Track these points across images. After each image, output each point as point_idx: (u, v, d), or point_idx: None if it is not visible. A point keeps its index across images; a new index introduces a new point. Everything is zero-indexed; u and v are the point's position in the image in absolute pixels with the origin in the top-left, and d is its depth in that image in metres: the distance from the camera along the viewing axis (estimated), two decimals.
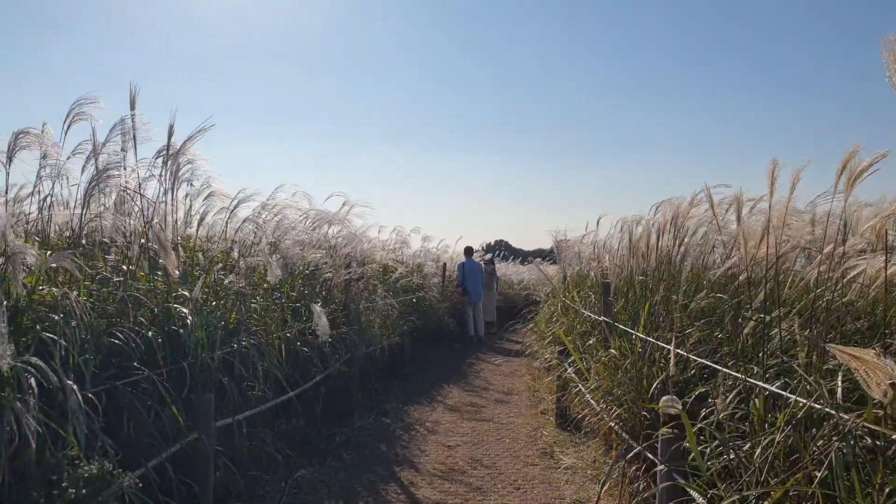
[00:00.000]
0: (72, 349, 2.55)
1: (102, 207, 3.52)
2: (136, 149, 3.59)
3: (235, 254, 4.57)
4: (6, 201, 2.93)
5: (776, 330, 3.00)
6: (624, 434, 3.81)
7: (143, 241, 3.61)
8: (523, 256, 22.20)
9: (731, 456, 2.47)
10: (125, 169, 3.55)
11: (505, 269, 18.73)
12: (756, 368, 2.93)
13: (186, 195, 4.41)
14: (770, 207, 3.07)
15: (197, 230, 4.63)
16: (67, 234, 3.73)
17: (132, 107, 3.56)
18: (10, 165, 3.45)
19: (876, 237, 2.83)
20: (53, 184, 3.45)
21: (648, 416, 3.68)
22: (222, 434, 3.52)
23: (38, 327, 2.53)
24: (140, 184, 3.72)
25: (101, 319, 2.96)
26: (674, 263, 4.31)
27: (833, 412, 2.13)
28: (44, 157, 3.74)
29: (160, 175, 3.83)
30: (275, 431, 4.41)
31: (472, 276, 12.26)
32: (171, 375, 3.17)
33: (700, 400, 3.27)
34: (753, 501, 2.22)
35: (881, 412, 1.97)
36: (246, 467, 3.81)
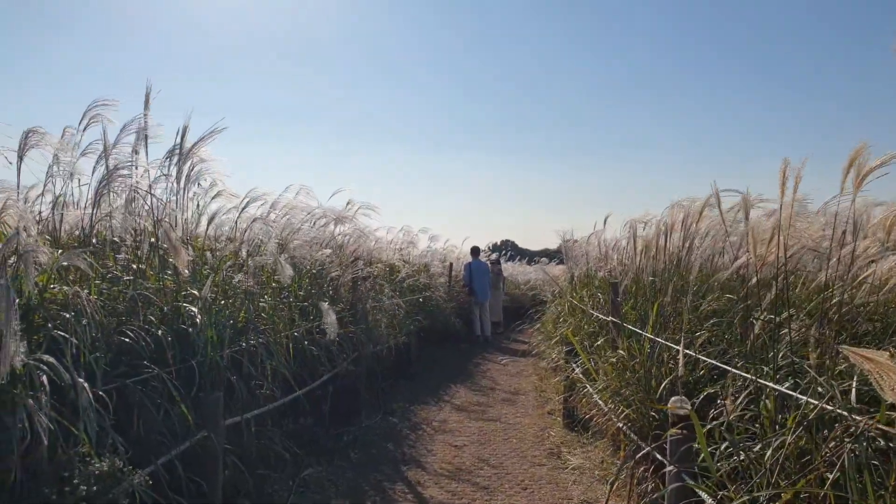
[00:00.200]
0: (83, 347, 2.56)
1: (111, 207, 3.53)
2: (146, 149, 3.61)
3: (244, 253, 4.58)
4: (18, 200, 2.94)
5: (786, 331, 2.98)
6: (632, 435, 3.80)
7: (152, 240, 3.62)
8: (529, 256, 22.20)
9: (742, 457, 2.46)
10: (136, 168, 3.56)
11: (511, 269, 18.72)
12: (766, 369, 2.92)
13: (194, 195, 4.42)
14: (781, 207, 3.06)
15: (206, 229, 4.65)
16: (77, 232, 3.75)
17: (146, 106, 3.58)
18: (20, 164, 3.47)
19: (886, 234, 2.82)
20: (65, 183, 3.47)
21: (657, 416, 3.67)
22: (231, 432, 3.53)
23: (49, 325, 2.54)
24: (151, 184, 3.73)
25: (111, 318, 2.97)
26: (683, 264, 4.30)
27: (845, 413, 2.12)
28: (55, 157, 3.77)
29: (171, 175, 3.84)
30: (283, 430, 4.42)
31: (478, 276, 12.25)
32: (180, 374, 3.18)
33: (709, 401, 3.26)
34: (764, 503, 2.21)
35: (895, 414, 1.96)
36: (254, 466, 3.81)
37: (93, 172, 3.51)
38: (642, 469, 3.67)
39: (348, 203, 6.56)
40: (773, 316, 3.13)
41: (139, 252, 3.56)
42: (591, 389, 4.65)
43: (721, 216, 3.87)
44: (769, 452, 2.32)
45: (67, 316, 2.56)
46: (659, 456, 3.34)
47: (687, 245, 4.21)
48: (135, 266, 3.48)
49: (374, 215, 6.86)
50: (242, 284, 4.13)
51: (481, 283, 12.22)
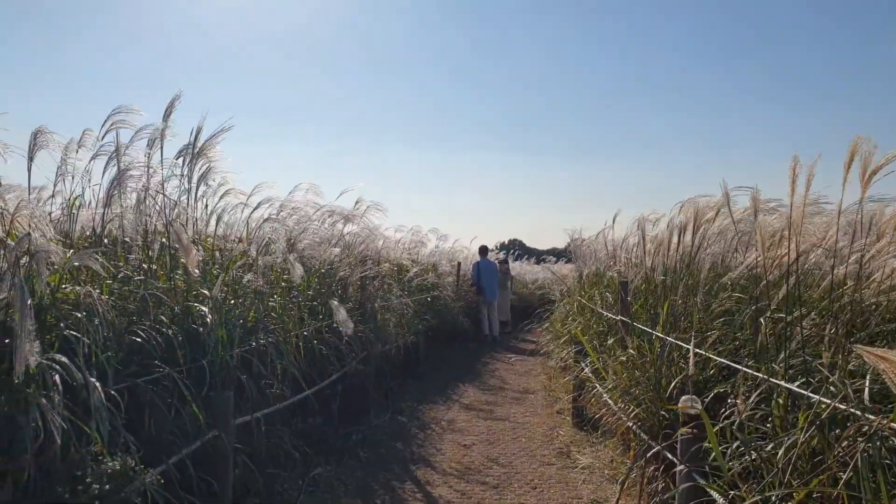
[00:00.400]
0: (94, 347, 2.57)
1: (121, 208, 3.55)
2: (162, 151, 3.63)
3: (253, 252, 4.59)
4: (29, 201, 2.95)
5: (797, 329, 2.97)
6: (642, 434, 3.79)
7: (163, 240, 3.64)
8: (538, 255, 22.16)
9: (753, 456, 2.44)
10: (149, 169, 3.58)
11: (519, 268, 18.71)
12: (777, 367, 2.90)
13: (203, 194, 4.44)
14: (791, 206, 3.04)
15: (215, 229, 4.66)
16: (88, 233, 3.77)
17: (165, 117, 3.61)
18: (31, 165, 3.50)
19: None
20: (78, 184, 3.49)
21: (667, 415, 3.66)
22: (241, 432, 3.54)
23: (61, 325, 2.56)
24: (163, 183, 3.75)
25: (122, 317, 2.98)
26: (693, 263, 4.28)
27: (858, 413, 2.10)
28: (63, 157, 3.79)
29: (183, 175, 3.86)
30: (292, 429, 4.43)
31: (487, 275, 12.25)
32: (190, 373, 3.19)
33: (718, 400, 3.25)
34: (776, 503, 2.20)
35: None
36: (264, 465, 3.82)
37: (103, 173, 3.53)
38: (652, 468, 3.65)
39: (357, 202, 6.57)
40: (782, 315, 3.12)
41: (150, 252, 3.58)
42: (600, 389, 4.64)
43: (731, 215, 3.85)
44: (781, 452, 2.31)
45: (79, 315, 2.58)
46: (669, 455, 3.33)
47: (698, 244, 4.20)
48: (146, 266, 3.49)
49: (382, 214, 6.87)
50: (252, 284, 4.14)
51: (490, 282, 12.21)
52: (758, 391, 2.81)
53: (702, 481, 2.61)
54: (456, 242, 13.23)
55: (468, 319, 11.53)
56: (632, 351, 4.32)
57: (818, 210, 3.55)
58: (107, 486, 2.28)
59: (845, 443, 2.17)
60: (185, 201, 3.96)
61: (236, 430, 3.42)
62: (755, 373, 2.86)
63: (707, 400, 3.20)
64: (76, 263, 2.52)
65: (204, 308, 3.42)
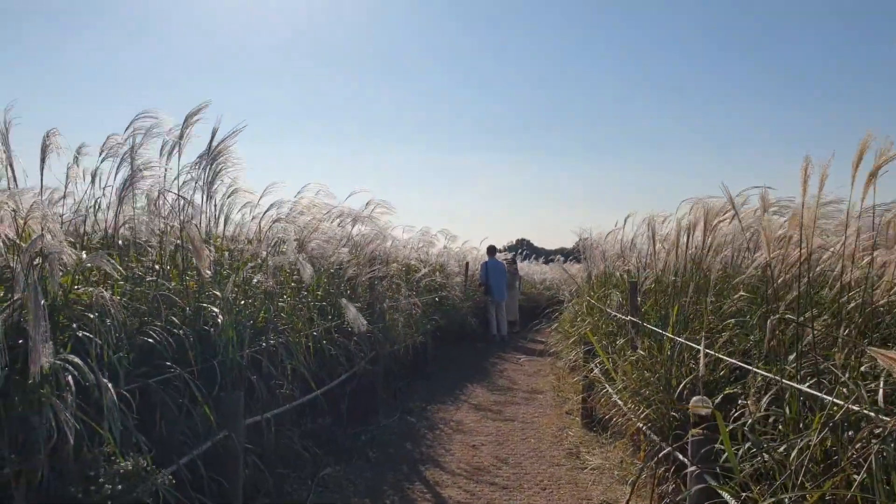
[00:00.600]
0: (106, 347, 2.59)
1: (133, 210, 3.57)
2: (180, 154, 3.65)
3: (263, 253, 4.60)
4: (42, 202, 2.97)
5: (808, 330, 2.95)
6: (653, 435, 3.77)
7: (176, 241, 3.65)
8: (546, 255, 22.14)
9: (766, 458, 2.43)
10: (166, 171, 3.60)
11: (527, 268, 18.69)
12: (789, 369, 2.89)
13: (212, 195, 4.46)
14: (803, 206, 3.02)
15: (224, 229, 4.68)
16: (100, 233, 3.79)
17: (186, 122, 3.63)
18: (42, 166, 3.52)
19: None
20: (91, 185, 3.51)
21: (677, 416, 3.65)
22: (251, 432, 3.55)
23: (74, 325, 2.57)
24: (177, 184, 3.77)
25: (134, 318, 3.00)
26: (704, 263, 4.26)
27: (872, 414, 2.09)
28: (76, 158, 3.81)
29: (198, 177, 3.88)
30: (301, 429, 4.44)
31: (495, 275, 12.24)
32: (201, 374, 3.21)
33: (728, 401, 3.23)
34: None
35: None
36: (274, 465, 3.84)
37: (115, 173, 3.55)
38: (663, 469, 3.64)
39: (368, 203, 6.58)
40: (791, 316, 3.10)
41: (162, 253, 3.59)
42: (609, 389, 4.63)
43: (737, 216, 3.82)
44: (794, 453, 2.30)
45: (91, 316, 2.59)
46: (680, 456, 3.32)
47: (709, 244, 4.17)
48: (157, 267, 3.51)
49: (390, 215, 6.88)
50: (262, 284, 4.15)
51: (498, 283, 12.20)
52: (771, 393, 2.79)
53: (713, 483, 2.59)
54: (465, 244, 13.24)
55: (476, 319, 11.52)
56: (641, 352, 4.31)
57: (832, 211, 3.53)
58: (119, 487, 2.29)
59: (859, 444, 2.15)
60: (199, 202, 3.98)
61: (246, 430, 3.43)
62: (767, 374, 2.84)
63: (717, 401, 3.18)
64: (88, 265, 2.53)
65: (215, 309, 3.43)
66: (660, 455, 3.56)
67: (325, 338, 4.94)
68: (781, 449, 2.43)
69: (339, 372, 5.06)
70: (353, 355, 5.37)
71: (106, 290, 2.71)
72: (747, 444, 2.60)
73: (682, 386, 3.62)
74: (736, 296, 3.91)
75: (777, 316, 3.16)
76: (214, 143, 3.83)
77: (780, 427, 2.69)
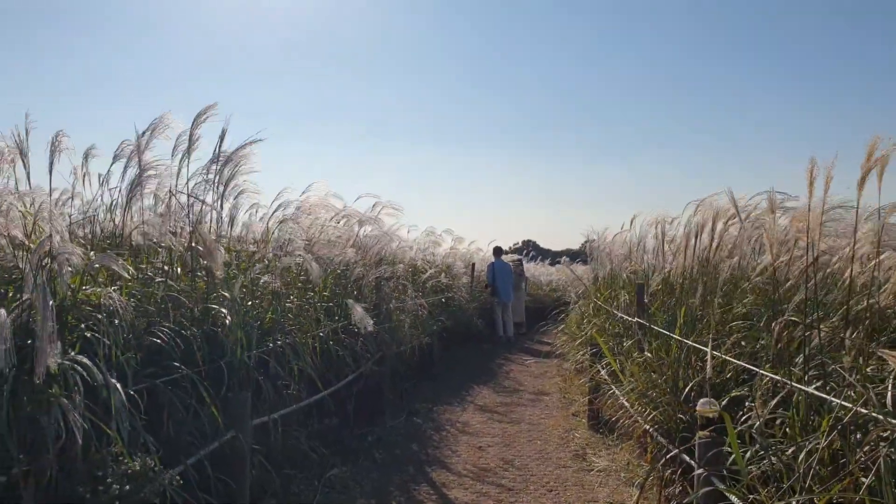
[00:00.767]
0: (114, 347, 2.60)
1: (143, 211, 3.59)
2: (189, 158, 3.66)
3: (270, 253, 4.62)
4: (50, 203, 2.99)
5: (815, 332, 2.93)
6: (659, 437, 3.76)
7: (187, 242, 3.66)
8: (552, 257, 22.12)
9: (774, 461, 2.42)
10: (178, 171, 3.62)
11: (534, 269, 18.67)
12: (796, 371, 2.87)
13: (220, 196, 4.47)
14: (809, 208, 3.01)
15: (230, 230, 4.69)
16: (106, 234, 3.81)
17: (193, 126, 3.65)
18: (51, 167, 3.54)
19: None
20: (100, 186, 3.54)
21: (684, 418, 3.64)
22: (257, 432, 3.56)
23: (82, 326, 2.59)
24: (189, 187, 3.79)
25: (142, 319, 3.01)
26: (711, 266, 4.25)
27: (881, 417, 2.07)
28: (84, 159, 3.84)
29: (207, 179, 3.90)
30: (308, 430, 4.44)
31: (501, 276, 12.23)
32: (208, 374, 3.22)
33: (735, 403, 3.22)
34: None
35: None
36: (280, 465, 3.84)
37: (123, 174, 3.57)
38: (670, 472, 3.63)
39: (375, 204, 6.58)
40: (795, 319, 3.09)
41: (172, 254, 3.61)
42: (616, 391, 4.62)
43: (740, 220, 3.82)
44: (802, 456, 2.28)
45: (100, 317, 2.60)
46: (687, 458, 3.31)
47: (716, 246, 4.16)
48: (166, 268, 3.52)
49: (397, 215, 6.89)
50: (269, 285, 4.16)
51: (504, 284, 12.20)
52: (777, 395, 2.78)
53: (721, 485, 2.58)
54: (472, 244, 13.24)
55: (482, 320, 11.52)
56: (648, 354, 4.30)
57: (837, 211, 3.51)
58: (127, 487, 2.30)
59: (867, 448, 2.14)
60: (210, 204, 4.00)
61: (253, 430, 3.44)
62: (775, 376, 2.83)
63: (724, 403, 3.17)
64: (97, 265, 2.54)
65: (223, 309, 3.44)
66: (667, 457, 3.55)
67: (332, 338, 4.94)
68: (789, 452, 2.42)
69: (345, 372, 5.07)
70: (360, 356, 5.37)
71: (115, 290, 2.72)
72: (755, 447, 2.59)
73: (688, 388, 3.61)
74: (745, 299, 3.90)
75: (783, 318, 3.15)
76: (228, 148, 3.87)
77: (787, 430, 2.68)
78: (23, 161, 3.17)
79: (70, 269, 2.46)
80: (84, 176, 3.83)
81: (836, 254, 3.31)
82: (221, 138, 3.82)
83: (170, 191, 3.57)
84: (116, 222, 3.62)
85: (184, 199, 3.75)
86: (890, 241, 2.92)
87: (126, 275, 2.74)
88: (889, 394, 2.19)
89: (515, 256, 15.76)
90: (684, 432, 3.52)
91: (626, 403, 4.37)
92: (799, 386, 2.59)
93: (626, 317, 5.58)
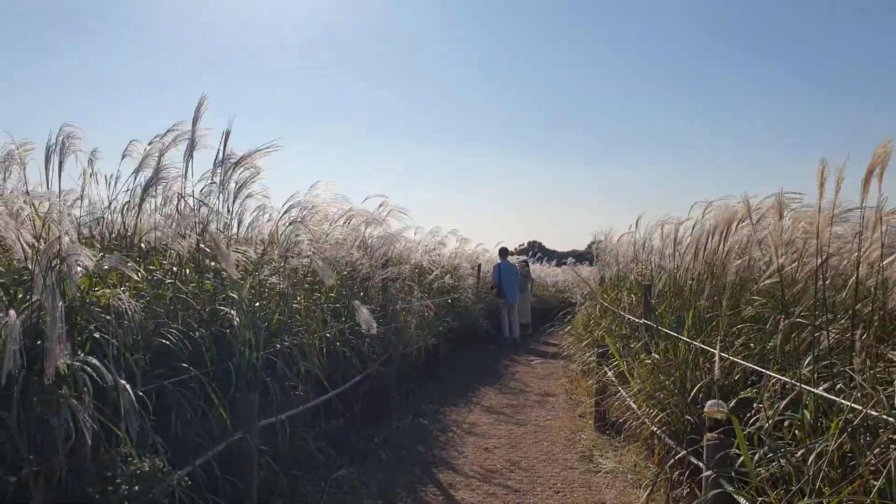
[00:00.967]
0: (123, 349, 2.61)
1: (154, 213, 3.60)
2: (192, 158, 3.68)
3: (276, 255, 4.62)
4: (60, 204, 3.00)
5: (824, 334, 2.92)
6: (667, 439, 3.76)
7: (195, 244, 3.67)
8: (558, 258, 22.09)
9: (783, 463, 2.41)
10: (190, 175, 3.64)
11: (539, 270, 18.66)
12: (805, 373, 2.86)
13: (226, 198, 4.48)
14: (819, 210, 3.00)
15: (237, 231, 4.70)
16: (114, 235, 3.83)
17: (194, 122, 3.67)
18: (61, 169, 3.56)
19: None
20: (107, 186, 3.55)
21: (692, 420, 3.63)
22: (265, 433, 3.57)
23: (91, 327, 2.60)
24: (202, 190, 3.82)
25: (150, 320, 3.02)
26: (720, 267, 4.24)
27: (891, 419, 2.06)
28: (90, 161, 3.86)
29: (216, 181, 3.91)
30: (315, 431, 4.45)
31: (507, 277, 12.22)
32: (216, 375, 3.22)
33: (742, 405, 3.21)
34: None
35: None
36: (288, 466, 3.85)
37: (134, 177, 3.59)
38: (677, 473, 3.62)
39: (381, 205, 6.59)
40: (803, 320, 3.08)
41: (181, 256, 3.62)
42: (624, 393, 4.61)
43: (750, 220, 3.80)
44: (812, 458, 2.27)
45: (109, 318, 2.61)
46: (695, 460, 3.30)
47: (727, 249, 4.15)
48: (175, 269, 3.53)
49: (403, 217, 6.88)
50: (277, 286, 4.17)
51: (510, 285, 12.18)
52: (785, 397, 2.77)
53: (729, 487, 2.58)
54: (479, 246, 13.23)
55: (488, 322, 11.51)
56: (656, 356, 4.29)
57: (845, 214, 3.50)
58: (136, 487, 2.30)
59: (878, 450, 2.13)
60: (219, 206, 4.02)
61: (261, 431, 3.45)
62: (784, 378, 2.82)
63: (731, 405, 3.16)
64: (106, 266, 2.55)
65: (232, 311, 3.45)
66: (674, 459, 3.54)
67: (339, 339, 4.95)
68: (798, 454, 2.41)
69: (352, 373, 5.07)
70: (366, 357, 5.38)
71: (124, 292, 2.73)
72: (763, 449, 2.58)
73: (696, 389, 3.60)
74: (758, 301, 3.88)
75: (790, 319, 3.14)
76: (233, 149, 3.87)
77: (795, 432, 2.67)
78: (46, 167, 3.20)
79: (80, 269, 2.47)
80: (90, 176, 3.85)
81: (846, 257, 3.29)
82: (226, 140, 3.84)
83: (179, 193, 3.58)
84: (127, 224, 3.63)
85: (191, 201, 3.76)
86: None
87: (136, 276, 2.75)
88: None
89: (521, 257, 15.76)
90: (692, 434, 3.51)
91: (634, 405, 4.36)
92: (808, 388, 2.58)
93: (633, 318, 5.57)
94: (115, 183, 3.85)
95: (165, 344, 3.01)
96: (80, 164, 3.75)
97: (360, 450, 4.96)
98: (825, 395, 2.45)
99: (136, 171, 3.53)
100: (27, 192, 2.98)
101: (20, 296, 2.54)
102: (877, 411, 2.16)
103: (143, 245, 3.56)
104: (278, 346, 3.90)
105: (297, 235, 4.41)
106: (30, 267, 2.58)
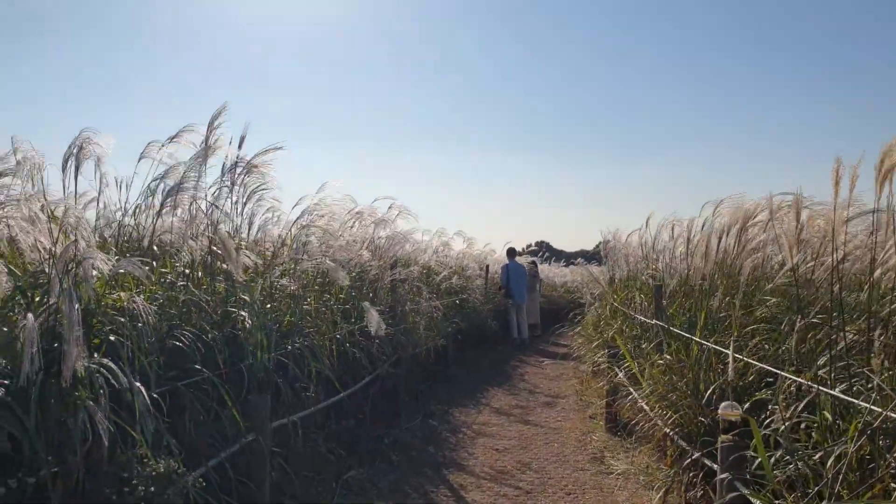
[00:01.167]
0: (137, 351, 2.62)
1: (171, 217, 3.62)
2: (205, 163, 3.69)
3: (285, 256, 4.63)
4: (76, 207, 3.01)
5: (840, 335, 2.90)
6: (680, 440, 3.74)
7: (207, 247, 3.68)
8: (566, 258, 22.05)
9: (800, 465, 2.39)
10: (203, 180, 3.66)
11: (548, 270, 18.62)
12: (822, 374, 2.84)
13: (236, 201, 4.49)
14: (835, 209, 2.98)
15: (248, 234, 4.71)
16: (126, 238, 3.84)
17: (210, 127, 3.68)
18: (77, 173, 3.57)
19: None
20: (118, 189, 3.56)
21: (706, 422, 3.61)
22: (276, 434, 3.57)
23: (107, 329, 2.61)
24: (215, 193, 3.83)
25: (164, 322, 3.03)
26: (733, 266, 4.22)
27: None
28: (97, 163, 3.87)
29: (227, 184, 3.93)
30: (325, 432, 4.45)
31: (516, 277, 12.20)
32: (228, 377, 3.23)
33: (757, 407, 3.19)
34: None
35: None
36: (299, 468, 3.85)
37: (159, 185, 3.60)
38: (691, 475, 3.60)
39: (390, 207, 6.59)
40: (818, 321, 3.05)
41: (194, 258, 3.63)
42: (635, 394, 4.59)
43: (772, 219, 3.78)
44: (830, 461, 2.26)
45: (123, 320, 2.62)
46: (708, 462, 3.28)
47: (741, 248, 4.13)
48: (188, 272, 3.54)
49: (411, 218, 6.89)
50: (287, 288, 4.18)
51: (518, 285, 12.16)
52: (801, 398, 2.75)
53: (745, 490, 2.56)
54: (486, 246, 13.22)
55: (497, 322, 11.49)
56: (668, 357, 4.27)
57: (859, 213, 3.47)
58: (151, 488, 2.31)
59: None
60: (229, 209, 4.03)
61: (273, 433, 3.45)
62: (800, 379, 2.80)
63: (746, 407, 3.14)
64: (121, 270, 2.56)
65: (244, 313, 3.45)
66: (688, 461, 3.52)
67: (349, 340, 4.95)
68: (816, 457, 2.39)
69: (362, 374, 5.08)
70: (376, 358, 5.38)
71: (138, 294, 2.74)
72: (779, 452, 2.56)
73: (710, 391, 3.58)
74: (768, 301, 3.86)
75: (806, 320, 3.11)
76: (246, 154, 3.88)
77: (812, 434, 2.65)
78: (63, 172, 3.22)
79: (95, 272, 2.48)
80: (102, 179, 3.87)
81: (862, 257, 3.27)
82: (241, 143, 3.85)
83: (192, 197, 3.59)
84: (143, 228, 3.64)
85: (204, 204, 3.77)
86: None
87: (148, 281, 2.76)
88: None
89: (530, 258, 15.74)
90: (705, 436, 3.49)
91: (646, 406, 4.34)
92: (825, 389, 2.56)
93: (644, 318, 5.55)
94: (129, 188, 3.87)
95: (179, 346, 3.02)
96: (98, 169, 3.77)
97: (371, 451, 4.96)
98: (843, 396, 2.43)
99: (161, 178, 3.55)
100: (44, 197, 2.99)
101: (37, 299, 2.55)
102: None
103: (155, 248, 3.57)
104: (289, 347, 3.90)
105: (307, 237, 4.41)
106: (46, 270, 2.60)
